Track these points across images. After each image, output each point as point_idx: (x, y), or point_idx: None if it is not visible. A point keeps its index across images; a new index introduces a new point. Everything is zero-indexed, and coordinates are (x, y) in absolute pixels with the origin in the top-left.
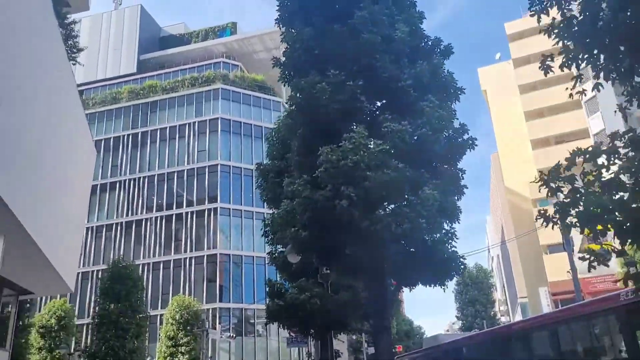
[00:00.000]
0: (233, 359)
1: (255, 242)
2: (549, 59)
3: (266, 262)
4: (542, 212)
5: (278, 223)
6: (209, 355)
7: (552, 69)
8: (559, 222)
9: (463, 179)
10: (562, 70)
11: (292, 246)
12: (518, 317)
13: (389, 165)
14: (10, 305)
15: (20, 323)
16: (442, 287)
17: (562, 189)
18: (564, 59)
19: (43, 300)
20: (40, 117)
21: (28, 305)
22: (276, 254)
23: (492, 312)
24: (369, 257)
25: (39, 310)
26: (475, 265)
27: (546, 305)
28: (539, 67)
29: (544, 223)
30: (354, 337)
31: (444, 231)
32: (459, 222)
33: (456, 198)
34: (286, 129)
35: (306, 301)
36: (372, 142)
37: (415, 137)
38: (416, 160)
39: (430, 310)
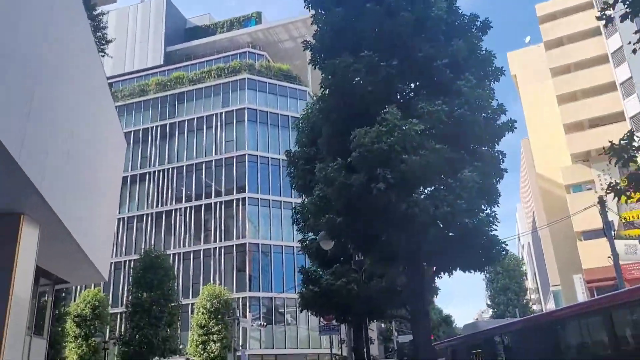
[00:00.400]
0: (264, 347)
1: (283, 232)
2: (606, 7)
3: (295, 251)
4: (612, 184)
5: (310, 210)
6: (240, 343)
7: (585, 50)
8: (632, 194)
9: (503, 161)
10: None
11: (326, 233)
12: (550, 306)
13: (426, 147)
14: (46, 295)
15: (57, 312)
16: (483, 272)
17: (636, 158)
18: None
19: (78, 290)
20: (73, 109)
21: (64, 294)
22: (307, 242)
23: (524, 301)
24: (406, 243)
25: (74, 300)
26: (507, 253)
27: (581, 293)
28: (597, 17)
29: (615, 197)
30: (382, 325)
31: (483, 215)
32: (498, 206)
33: (495, 181)
34: (317, 114)
35: (342, 287)
36: (407, 124)
37: (453, 118)
38: (454, 141)
39: (457, 299)
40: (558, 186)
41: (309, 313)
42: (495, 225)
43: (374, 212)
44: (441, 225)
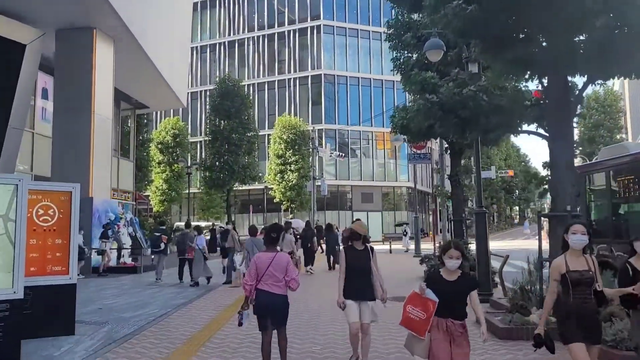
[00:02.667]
0: (339, 178)
1: (360, 63)
2: None
3: (372, 83)
4: None
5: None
6: (316, 174)
7: None
8: None
9: None
10: None
11: (451, 28)
12: None
13: None
14: (129, 120)
15: (140, 138)
16: None
17: None
18: None
19: (158, 119)
20: None
21: (145, 121)
22: (403, 59)
23: (618, 138)
24: (554, 44)
25: (155, 128)
26: (603, 87)
27: None
28: None
29: None
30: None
31: None
32: None
33: None
34: None
35: (471, 97)
36: None
37: None
38: None
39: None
40: None
41: (385, 148)
42: None
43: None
44: (611, 15)
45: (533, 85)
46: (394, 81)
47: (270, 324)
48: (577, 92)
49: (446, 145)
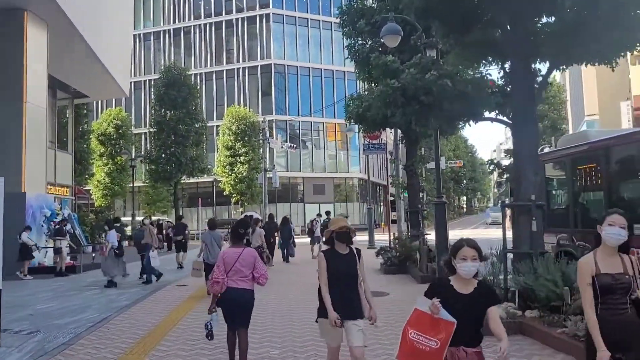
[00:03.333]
0: (290, 170)
1: (311, 52)
2: None
3: (323, 74)
4: None
5: None
6: (267, 165)
7: None
8: None
9: None
10: None
11: (413, 7)
12: None
13: None
14: (67, 110)
15: (80, 129)
16: (612, 66)
17: None
18: None
19: (99, 109)
20: None
21: (85, 111)
22: (357, 46)
23: (561, 129)
24: (519, 26)
25: (96, 119)
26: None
27: (626, 122)
28: None
29: None
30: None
31: None
32: None
33: None
34: None
35: (434, 82)
36: None
37: None
38: None
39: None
40: None
41: (337, 139)
42: None
43: None
44: None
45: (496, 73)
46: (344, 71)
47: (234, 321)
48: (541, 77)
49: (401, 135)
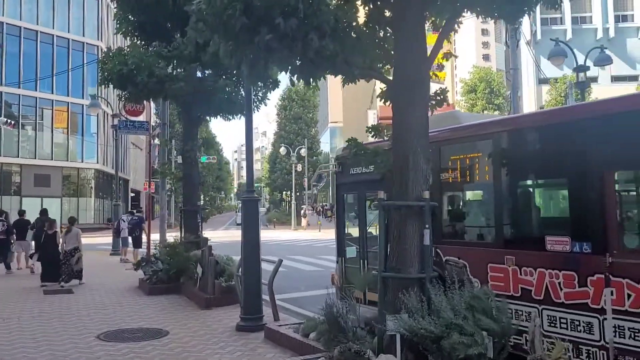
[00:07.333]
0: (4, 154)
1: (41, 12)
2: None
3: (56, 41)
4: None
5: None
6: None
7: None
8: None
9: None
10: None
11: None
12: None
13: None
14: None
15: None
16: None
17: None
18: None
19: None
20: None
21: None
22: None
23: (313, 132)
24: None
25: None
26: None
27: None
28: None
29: None
30: None
31: None
32: None
33: None
34: None
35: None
36: None
37: None
38: None
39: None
40: None
41: (70, 121)
42: None
43: None
44: None
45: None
46: (83, 43)
47: None
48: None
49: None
